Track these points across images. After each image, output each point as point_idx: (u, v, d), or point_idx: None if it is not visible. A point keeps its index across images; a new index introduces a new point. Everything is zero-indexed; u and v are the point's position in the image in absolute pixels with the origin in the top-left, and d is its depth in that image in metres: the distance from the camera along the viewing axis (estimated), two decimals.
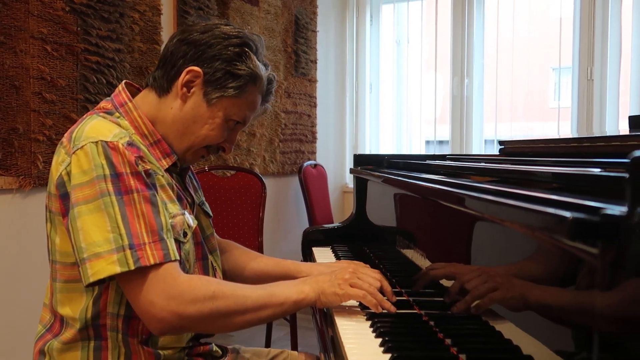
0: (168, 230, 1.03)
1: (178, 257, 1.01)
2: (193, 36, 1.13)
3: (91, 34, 2.44)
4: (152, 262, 0.96)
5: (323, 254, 1.83)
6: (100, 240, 0.95)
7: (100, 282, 0.99)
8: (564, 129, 3.80)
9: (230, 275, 1.37)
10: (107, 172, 0.98)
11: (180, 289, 0.97)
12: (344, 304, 1.13)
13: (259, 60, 1.16)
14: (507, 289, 0.82)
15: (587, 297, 0.59)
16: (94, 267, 0.95)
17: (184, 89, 1.12)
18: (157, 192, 1.05)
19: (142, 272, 0.96)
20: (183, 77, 1.12)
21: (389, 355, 0.91)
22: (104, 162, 0.99)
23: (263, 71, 1.17)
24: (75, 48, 2.38)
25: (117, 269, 0.94)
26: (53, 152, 1.10)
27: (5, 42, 2.12)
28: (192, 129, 1.14)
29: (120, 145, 1.01)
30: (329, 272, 1.15)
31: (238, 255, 1.41)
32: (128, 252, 0.95)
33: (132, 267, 0.95)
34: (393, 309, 1.08)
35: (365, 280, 1.10)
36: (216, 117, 1.14)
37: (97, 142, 1.00)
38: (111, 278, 0.98)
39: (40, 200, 2.28)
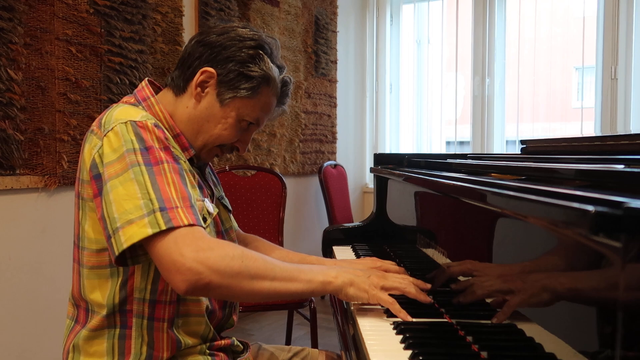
0: (195, 204, 1.03)
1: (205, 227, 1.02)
2: (210, 38, 1.17)
3: (114, 35, 2.48)
4: (185, 222, 0.95)
5: (344, 253, 1.83)
6: (131, 207, 0.96)
7: (124, 263, 1.00)
8: (587, 129, 3.76)
9: None
10: (137, 146, 1.01)
11: (211, 244, 0.96)
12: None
13: (273, 63, 1.18)
14: (526, 290, 0.82)
15: (609, 292, 0.58)
16: (127, 233, 0.94)
17: (198, 89, 1.16)
18: None
19: (173, 232, 0.95)
20: (197, 77, 1.15)
21: (410, 352, 0.91)
22: (133, 137, 1.01)
23: (277, 73, 1.19)
24: (99, 49, 2.42)
25: (149, 231, 0.93)
26: (78, 152, 1.12)
27: (32, 43, 2.16)
28: (205, 128, 1.17)
29: (149, 124, 1.04)
30: (360, 268, 1.17)
31: (261, 247, 1.43)
32: (159, 214, 0.95)
33: (164, 227, 0.94)
34: (409, 318, 1.08)
35: (396, 286, 1.11)
36: (229, 117, 1.17)
37: (126, 122, 1.03)
38: (135, 259, 0.99)
39: (64, 199, 2.32)
